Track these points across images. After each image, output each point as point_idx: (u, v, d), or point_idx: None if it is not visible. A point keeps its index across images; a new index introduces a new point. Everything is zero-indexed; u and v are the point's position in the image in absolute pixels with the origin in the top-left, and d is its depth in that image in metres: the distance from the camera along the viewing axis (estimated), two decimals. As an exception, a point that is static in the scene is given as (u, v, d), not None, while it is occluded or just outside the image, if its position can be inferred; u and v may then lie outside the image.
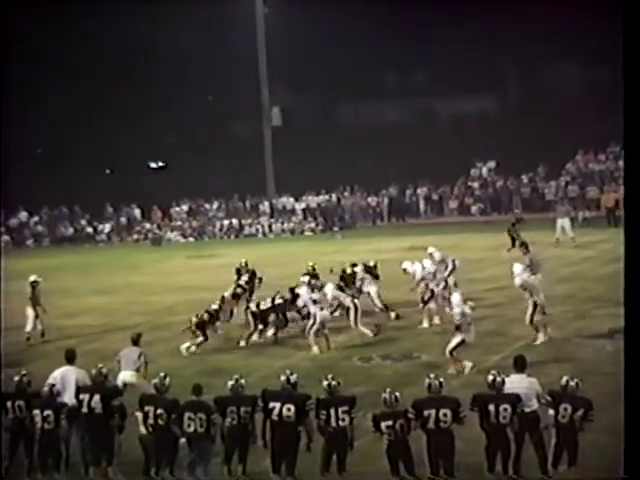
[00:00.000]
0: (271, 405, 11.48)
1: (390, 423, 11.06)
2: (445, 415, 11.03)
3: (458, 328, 16.26)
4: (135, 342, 15.18)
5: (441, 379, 11.43)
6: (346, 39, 47.28)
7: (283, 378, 11.77)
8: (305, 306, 19.49)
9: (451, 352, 16.41)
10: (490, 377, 11.42)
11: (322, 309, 18.68)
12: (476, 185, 48.36)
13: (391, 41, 48.34)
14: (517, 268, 18.17)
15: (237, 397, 11.76)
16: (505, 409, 11.12)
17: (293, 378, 11.77)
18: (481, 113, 53.82)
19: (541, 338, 17.80)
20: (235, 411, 11.61)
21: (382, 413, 11.18)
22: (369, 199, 48.62)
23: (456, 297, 16.72)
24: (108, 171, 52.93)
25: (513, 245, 29.67)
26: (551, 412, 11.15)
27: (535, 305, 17.87)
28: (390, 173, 47.38)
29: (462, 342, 16.37)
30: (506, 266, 19.96)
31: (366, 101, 54.14)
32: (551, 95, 50.78)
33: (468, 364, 16.36)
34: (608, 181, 44.38)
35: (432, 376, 11.47)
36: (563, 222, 32.86)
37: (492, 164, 48.91)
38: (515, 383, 11.57)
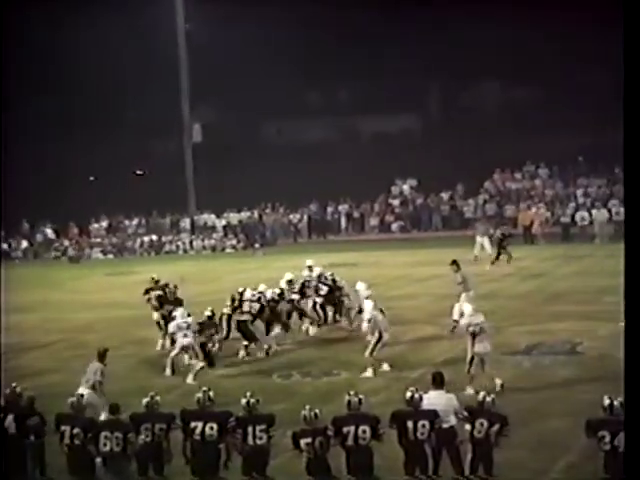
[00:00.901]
0: (192, 424, 11.34)
1: (309, 440, 11.02)
2: (364, 432, 11.03)
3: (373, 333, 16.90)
4: (101, 357, 14.91)
5: (360, 396, 11.43)
6: (269, 56, 47.30)
7: (200, 396, 11.63)
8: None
9: (371, 353, 16.95)
10: (408, 393, 11.46)
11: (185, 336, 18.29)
12: (397, 202, 48.79)
13: (314, 59, 48.63)
14: (467, 308, 16.66)
15: (152, 414, 11.60)
16: (423, 425, 11.17)
17: (211, 395, 11.62)
18: (402, 131, 54.38)
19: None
20: (150, 428, 11.45)
21: (301, 430, 11.14)
22: (290, 216, 48.68)
23: (369, 305, 17.41)
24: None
25: (497, 258, 30.18)
26: (467, 427, 11.24)
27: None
28: (312, 190, 47.53)
29: (379, 341, 16.97)
30: (424, 283, 20.15)
31: (288, 119, 54.29)
32: (470, 114, 51.62)
33: (386, 366, 16.96)
34: (524, 199, 45.16)
35: (351, 393, 11.47)
36: (482, 240, 33.34)
37: (413, 182, 49.42)
38: (433, 399, 11.63)
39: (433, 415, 11.27)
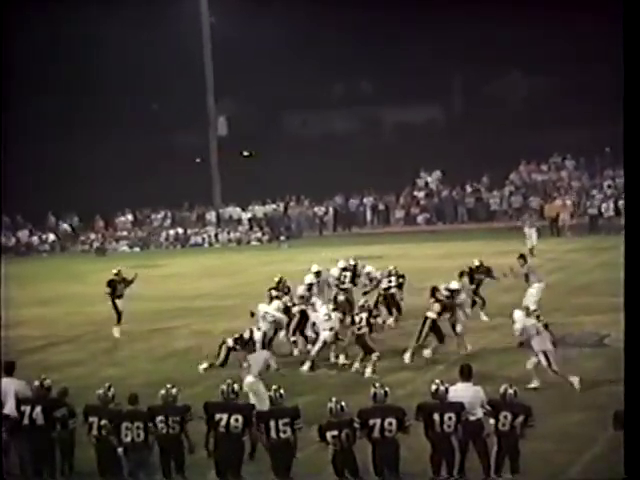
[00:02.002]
0: (217, 417, 11.36)
1: (336, 433, 11.04)
2: (390, 424, 11.03)
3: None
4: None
5: (386, 388, 11.43)
6: (293, 48, 47.36)
7: (224, 388, 11.64)
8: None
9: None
10: (433, 386, 11.46)
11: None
12: (422, 195, 48.66)
13: (338, 50, 48.55)
14: (517, 314, 16.46)
15: (167, 407, 11.63)
16: (450, 418, 11.16)
17: (235, 387, 11.67)
18: (427, 123, 54.21)
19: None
20: (164, 420, 11.50)
21: (328, 423, 11.16)
22: (315, 208, 48.68)
23: (323, 309, 18.19)
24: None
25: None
26: (492, 421, 11.22)
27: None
28: (337, 182, 47.48)
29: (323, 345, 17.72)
30: (451, 275, 20.10)
31: (313, 110, 54.26)
32: (495, 105, 51.38)
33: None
34: (551, 191, 44.93)
35: (377, 385, 11.48)
36: (531, 232, 33.26)
37: (438, 174, 49.26)
38: (460, 392, 11.61)
39: (459, 407, 11.26)
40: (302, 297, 19.39)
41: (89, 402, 12.04)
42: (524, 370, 15.60)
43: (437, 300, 18.10)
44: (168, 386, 11.85)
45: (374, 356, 17.02)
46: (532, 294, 20.04)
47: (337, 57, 48.95)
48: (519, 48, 47.59)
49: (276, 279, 20.53)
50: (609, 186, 43.52)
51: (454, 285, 18.67)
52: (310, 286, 20.37)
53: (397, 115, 54.51)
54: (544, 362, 15.41)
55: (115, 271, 22.74)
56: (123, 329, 22.05)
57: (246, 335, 17.41)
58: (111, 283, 22.36)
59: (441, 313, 18.01)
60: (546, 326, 15.69)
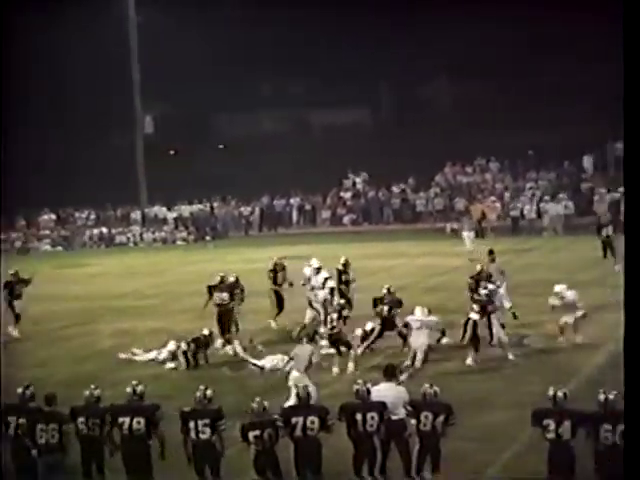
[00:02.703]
0: (120, 420, 11.28)
1: (258, 433, 11.01)
2: (313, 423, 11.06)
3: None
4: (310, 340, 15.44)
5: (310, 388, 11.45)
6: (221, 48, 47.13)
7: (129, 390, 11.54)
8: None
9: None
10: (355, 386, 11.51)
11: None
12: (348, 195, 48.89)
13: (267, 51, 48.50)
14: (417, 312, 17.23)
15: (89, 407, 11.51)
16: (372, 417, 11.21)
17: (139, 389, 11.55)
18: (354, 125, 54.44)
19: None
20: (84, 422, 11.38)
21: (250, 423, 11.13)
22: (242, 208, 48.55)
23: None
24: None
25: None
26: (413, 422, 11.31)
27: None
28: (263, 182, 47.43)
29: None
30: (374, 276, 20.20)
31: (240, 111, 54.07)
32: (422, 108, 51.84)
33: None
34: (475, 193, 45.48)
35: (300, 385, 11.48)
36: (469, 234, 33.55)
37: (364, 175, 49.54)
38: (383, 391, 11.66)
39: (382, 407, 11.32)
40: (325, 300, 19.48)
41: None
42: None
43: (475, 300, 17.85)
44: (92, 387, 11.73)
45: (354, 351, 17.13)
46: (502, 294, 19.75)
47: (265, 58, 48.91)
48: (447, 52, 48.23)
49: (218, 277, 20.30)
50: (531, 188, 44.20)
51: (491, 286, 18.44)
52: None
53: (325, 117, 54.68)
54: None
55: (12, 272, 22.44)
56: (43, 329, 21.66)
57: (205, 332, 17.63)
58: (7, 284, 22.03)
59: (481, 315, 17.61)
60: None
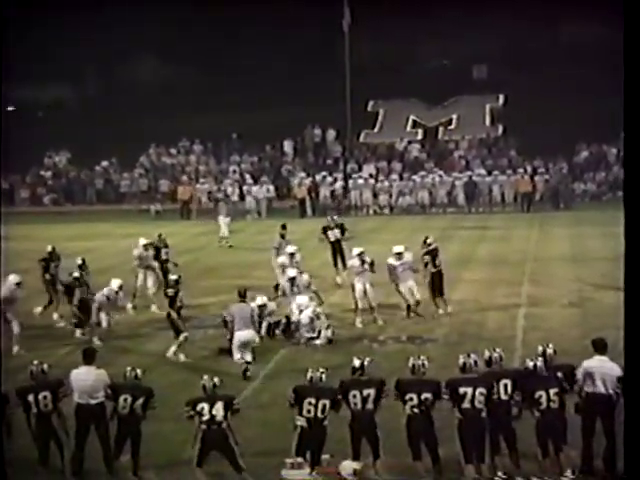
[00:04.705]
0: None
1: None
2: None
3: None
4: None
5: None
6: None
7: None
8: None
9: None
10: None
11: None
12: (49, 175, 47.47)
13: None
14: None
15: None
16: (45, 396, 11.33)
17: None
18: (55, 102, 52.76)
19: None
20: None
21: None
22: None
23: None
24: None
25: None
26: (112, 404, 11.46)
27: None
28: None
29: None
30: (81, 256, 19.88)
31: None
32: (128, 90, 51.11)
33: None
34: (179, 175, 45.44)
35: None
36: (225, 221, 32.72)
37: (66, 154, 48.32)
38: (83, 375, 11.66)
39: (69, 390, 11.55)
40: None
41: None
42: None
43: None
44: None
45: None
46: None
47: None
48: (154, 35, 48.04)
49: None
50: (234, 171, 44.92)
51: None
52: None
53: (19, 93, 52.00)
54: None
55: None
56: None
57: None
58: None
59: None
60: None
